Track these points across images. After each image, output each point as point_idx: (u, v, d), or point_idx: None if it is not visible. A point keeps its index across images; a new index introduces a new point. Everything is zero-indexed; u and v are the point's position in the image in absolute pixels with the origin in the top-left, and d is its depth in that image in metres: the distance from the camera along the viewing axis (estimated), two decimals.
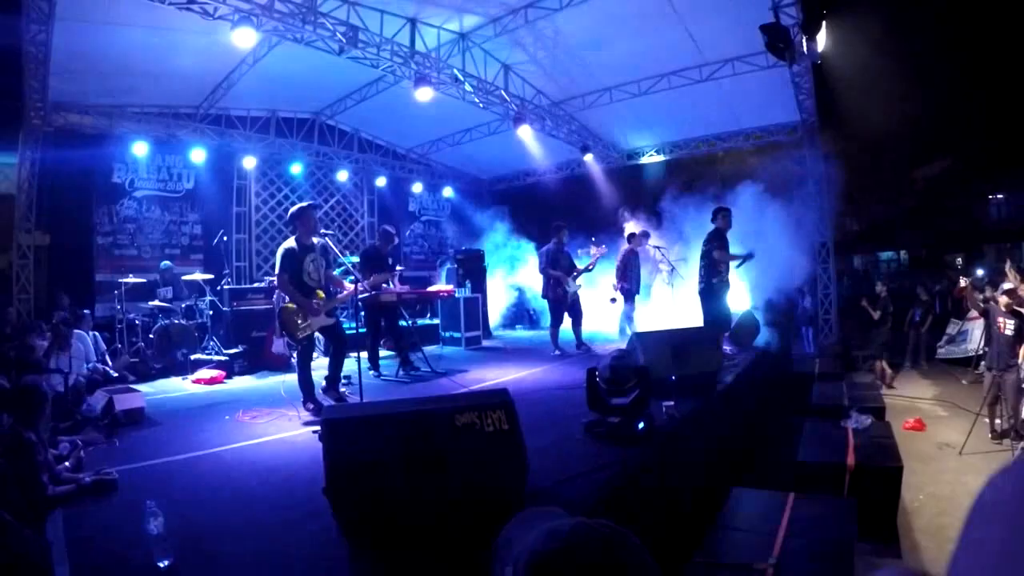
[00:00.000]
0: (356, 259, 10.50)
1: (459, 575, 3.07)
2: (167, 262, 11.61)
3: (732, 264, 9.49)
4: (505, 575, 1.12)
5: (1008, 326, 7.75)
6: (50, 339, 7.62)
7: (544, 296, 10.95)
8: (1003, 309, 7.88)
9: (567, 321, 10.93)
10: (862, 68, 10.32)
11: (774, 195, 12.65)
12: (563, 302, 10.64)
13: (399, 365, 9.31)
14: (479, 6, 10.43)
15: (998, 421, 8.10)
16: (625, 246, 11.69)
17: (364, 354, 8.82)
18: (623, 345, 7.84)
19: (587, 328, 11.21)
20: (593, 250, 11.90)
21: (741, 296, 12.16)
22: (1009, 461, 0.76)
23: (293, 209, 7.15)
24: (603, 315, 12.39)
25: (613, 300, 11.84)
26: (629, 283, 11.48)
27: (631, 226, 12.82)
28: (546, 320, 16.05)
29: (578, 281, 10.77)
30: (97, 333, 9.15)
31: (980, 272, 14.41)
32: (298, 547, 3.51)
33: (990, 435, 8.08)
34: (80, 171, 11.34)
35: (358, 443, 3.39)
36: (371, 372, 9.01)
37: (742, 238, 9.87)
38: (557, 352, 10.64)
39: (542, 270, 10.76)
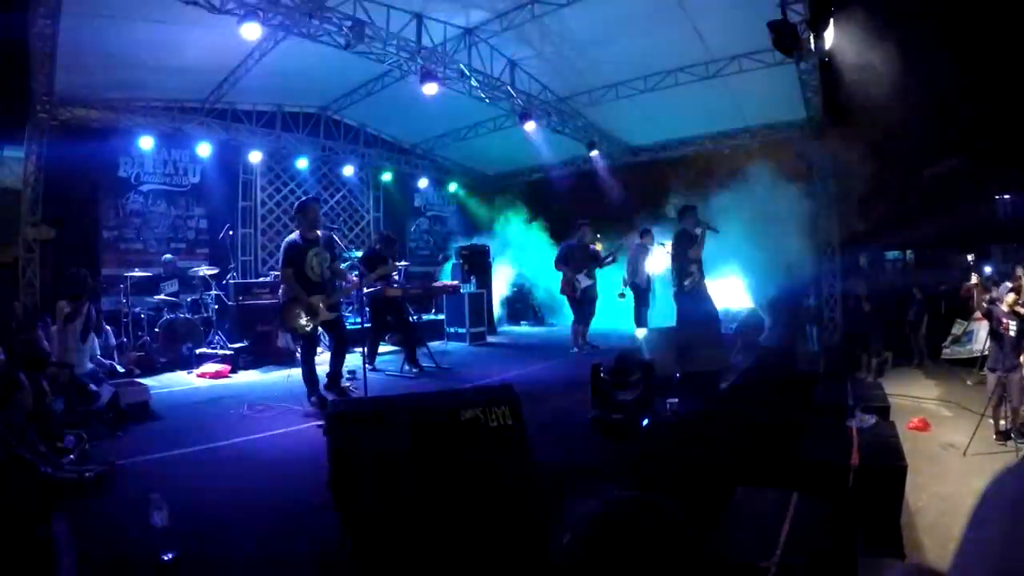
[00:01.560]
0: (360, 253, 10.53)
1: (462, 571, 3.08)
2: (169, 256, 11.61)
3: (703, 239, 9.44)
4: (564, 539, 1.18)
5: (1011, 327, 7.73)
6: (74, 306, 7.57)
7: (561, 292, 11.01)
8: (1006, 310, 7.85)
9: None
10: (870, 66, 10.25)
11: (780, 193, 12.62)
12: (573, 297, 10.66)
13: (404, 360, 9.32)
14: (486, 1, 10.40)
15: (1002, 422, 8.07)
16: (636, 242, 11.70)
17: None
18: (630, 342, 7.86)
19: (599, 323, 11.22)
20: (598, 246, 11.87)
21: (745, 294, 12.16)
22: (1012, 461, 0.76)
23: (297, 203, 7.22)
24: (614, 311, 12.39)
25: (621, 296, 11.85)
26: (639, 279, 11.49)
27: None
28: (552, 316, 16.16)
29: (590, 277, 10.75)
30: (109, 328, 9.19)
31: (988, 270, 14.32)
32: (301, 541, 3.52)
33: (995, 436, 8.06)
34: (86, 165, 11.32)
35: (363, 438, 3.40)
36: (367, 366, 8.99)
37: (747, 235, 9.85)
38: (574, 350, 10.65)
39: (555, 265, 10.82)
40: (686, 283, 9.15)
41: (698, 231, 9.22)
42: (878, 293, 13.71)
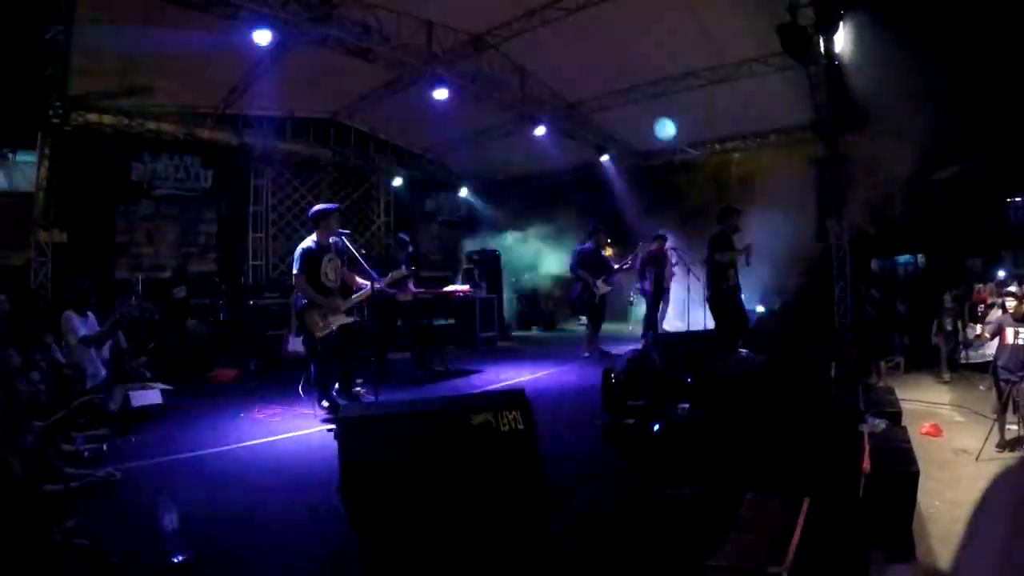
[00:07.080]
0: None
1: (471, 575, 3.07)
2: (176, 261, 11.65)
3: (739, 261, 9.45)
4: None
5: (1020, 335, 7.65)
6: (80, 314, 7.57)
7: (574, 296, 11.02)
8: (1012, 318, 7.80)
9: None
10: (880, 69, 10.21)
11: (790, 197, 12.57)
12: (590, 304, 10.67)
13: (415, 365, 9.33)
14: (496, 7, 10.43)
15: (1010, 427, 7.96)
16: (651, 247, 11.71)
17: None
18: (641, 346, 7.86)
19: (609, 329, 11.23)
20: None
21: (756, 299, 12.12)
22: (1012, 461, 0.77)
23: (315, 209, 7.23)
24: (627, 315, 12.40)
25: (631, 303, 11.85)
26: (650, 284, 11.48)
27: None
28: (562, 320, 16.15)
29: (607, 284, 10.80)
30: (121, 331, 9.25)
31: (1001, 274, 14.23)
32: (312, 544, 3.53)
33: (997, 445, 7.90)
34: (98, 170, 11.41)
35: (373, 442, 3.40)
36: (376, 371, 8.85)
37: (758, 238, 9.81)
38: (585, 355, 10.65)
39: (572, 270, 10.82)
40: (723, 286, 9.19)
41: (736, 245, 9.28)
42: (890, 297, 13.64)
